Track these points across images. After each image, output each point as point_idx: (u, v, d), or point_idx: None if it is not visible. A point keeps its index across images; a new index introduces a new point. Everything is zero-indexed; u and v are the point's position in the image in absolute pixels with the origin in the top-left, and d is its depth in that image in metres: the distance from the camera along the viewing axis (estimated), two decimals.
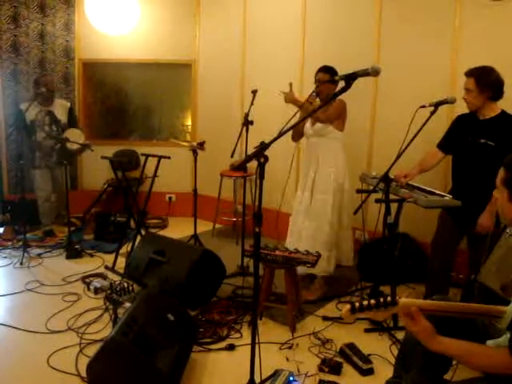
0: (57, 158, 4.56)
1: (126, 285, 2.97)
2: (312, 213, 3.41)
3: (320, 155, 3.40)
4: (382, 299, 1.47)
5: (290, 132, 3.26)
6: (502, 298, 2.27)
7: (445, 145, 3.04)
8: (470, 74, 2.76)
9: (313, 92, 3.27)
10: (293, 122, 2.61)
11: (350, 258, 3.52)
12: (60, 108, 4.59)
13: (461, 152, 2.95)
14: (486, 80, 2.70)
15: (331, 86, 3.27)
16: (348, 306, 1.48)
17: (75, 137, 4.30)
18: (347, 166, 3.43)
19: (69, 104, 4.76)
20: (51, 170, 4.60)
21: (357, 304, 1.48)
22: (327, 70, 3.32)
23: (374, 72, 1.84)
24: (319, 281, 3.44)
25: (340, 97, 2.04)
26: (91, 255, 4.21)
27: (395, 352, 2.44)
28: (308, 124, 3.43)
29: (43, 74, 4.88)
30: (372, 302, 1.47)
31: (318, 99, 3.34)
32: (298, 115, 3.05)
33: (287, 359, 2.55)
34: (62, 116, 4.57)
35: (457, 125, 3.01)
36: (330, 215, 3.33)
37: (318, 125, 3.34)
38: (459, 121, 3.00)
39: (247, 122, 3.63)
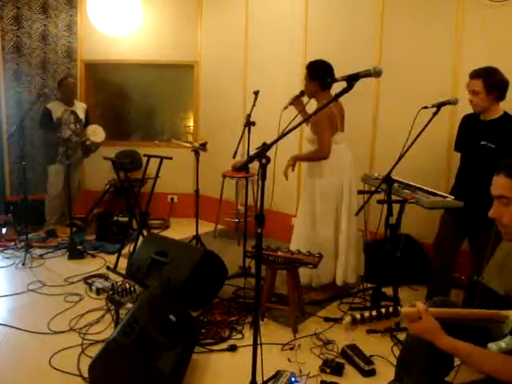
0: (82, 154, 4.79)
1: (127, 286, 2.97)
2: (298, 221, 3.38)
3: (307, 163, 3.34)
4: (383, 310, 1.46)
5: (293, 133, 3.26)
6: (504, 299, 2.26)
7: (456, 147, 3.04)
8: (476, 75, 2.68)
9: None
10: (294, 123, 2.60)
11: (351, 273, 3.27)
12: (80, 108, 4.78)
13: (463, 153, 2.94)
14: (493, 81, 2.64)
15: (311, 83, 3.19)
16: (349, 318, 1.48)
17: (99, 131, 4.72)
18: (346, 174, 3.22)
19: (86, 106, 4.92)
20: (66, 168, 4.61)
21: (357, 316, 1.47)
22: (307, 67, 3.24)
23: (376, 73, 1.84)
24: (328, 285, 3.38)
25: (341, 98, 2.02)
26: (93, 256, 4.22)
27: (397, 353, 2.43)
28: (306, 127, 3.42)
29: (65, 77, 4.99)
30: (373, 313, 1.46)
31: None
32: (299, 118, 3.04)
33: (289, 360, 2.55)
34: (82, 116, 4.77)
35: (461, 126, 3.00)
36: (308, 227, 3.23)
37: (307, 130, 3.30)
38: (463, 121, 2.98)
39: (249, 123, 3.63)
